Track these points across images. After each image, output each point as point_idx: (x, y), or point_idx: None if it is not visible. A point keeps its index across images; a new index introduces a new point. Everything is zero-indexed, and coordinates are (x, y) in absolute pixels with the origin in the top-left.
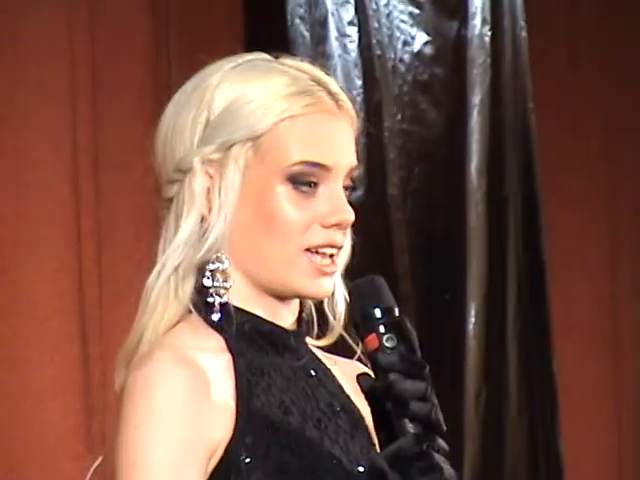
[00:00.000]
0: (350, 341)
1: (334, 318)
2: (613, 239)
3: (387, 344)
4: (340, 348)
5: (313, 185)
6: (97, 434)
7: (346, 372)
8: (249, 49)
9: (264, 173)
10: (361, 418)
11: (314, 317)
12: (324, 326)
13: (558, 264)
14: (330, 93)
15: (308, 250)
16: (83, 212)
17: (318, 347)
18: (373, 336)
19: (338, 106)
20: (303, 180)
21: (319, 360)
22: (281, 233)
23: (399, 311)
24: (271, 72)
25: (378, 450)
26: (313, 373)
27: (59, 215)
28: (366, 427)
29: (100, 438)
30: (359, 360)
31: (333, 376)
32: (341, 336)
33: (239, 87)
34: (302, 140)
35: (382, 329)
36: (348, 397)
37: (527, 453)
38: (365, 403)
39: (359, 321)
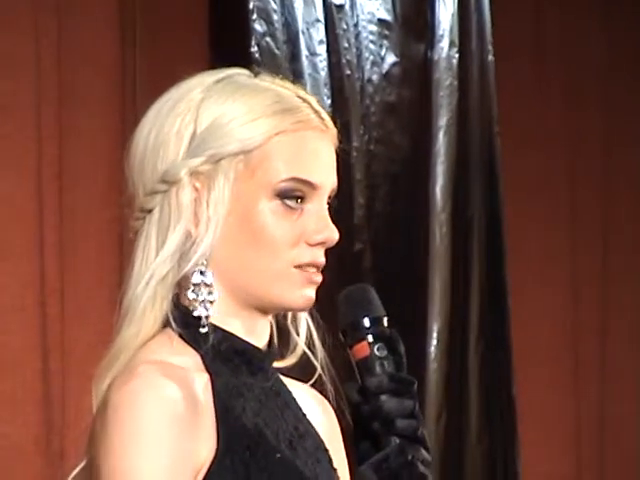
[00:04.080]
0: (314, 360)
1: (297, 334)
2: (575, 260)
3: (378, 353)
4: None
5: (300, 200)
6: (57, 447)
7: (302, 396)
8: (215, 67)
9: (253, 187)
10: (322, 442)
11: (275, 338)
12: (283, 347)
13: (520, 285)
14: (315, 111)
15: (295, 267)
16: (46, 227)
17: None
18: (362, 345)
19: (323, 124)
20: (291, 195)
21: (282, 382)
22: (270, 248)
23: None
24: (256, 88)
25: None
26: (280, 395)
27: (22, 229)
28: (327, 450)
29: (59, 452)
30: (313, 385)
31: (294, 399)
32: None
33: (226, 101)
34: (292, 157)
35: (371, 338)
36: (309, 421)
37: (486, 478)
38: (321, 427)
39: (348, 328)
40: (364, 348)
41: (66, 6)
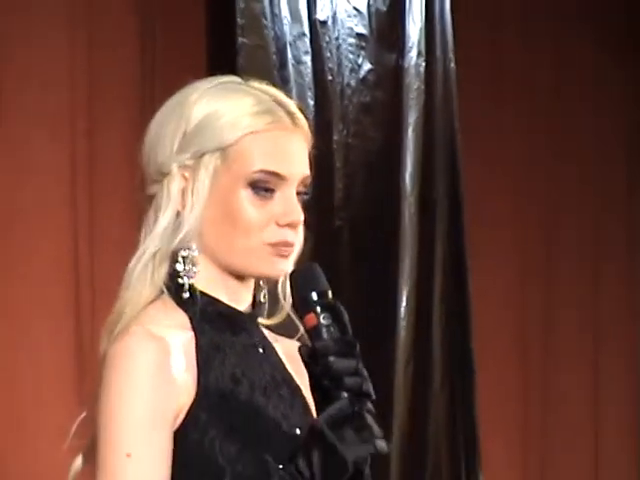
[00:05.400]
0: (295, 320)
1: (284, 299)
2: (524, 227)
3: (324, 322)
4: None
5: (270, 191)
6: (88, 391)
7: (287, 349)
8: (212, 74)
9: (230, 178)
10: (298, 389)
11: (267, 299)
12: (274, 307)
13: (476, 257)
14: (289, 113)
15: (266, 245)
16: (80, 211)
17: (266, 326)
18: (311, 315)
19: (294, 124)
20: (262, 186)
21: (266, 338)
22: (243, 229)
23: (334, 295)
24: (240, 93)
25: (315, 415)
26: (261, 350)
27: (58, 202)
28: (303, 397)
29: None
30: (300, 339)
31: (277, 352)
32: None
33: (213, 104)
34: (263, 152)
35: (319, 309)
36: (288, 371)
37: (447, 422)
38: (301, 376)
39: (299, 303)
40: (313, 318)
41: (97, 23)
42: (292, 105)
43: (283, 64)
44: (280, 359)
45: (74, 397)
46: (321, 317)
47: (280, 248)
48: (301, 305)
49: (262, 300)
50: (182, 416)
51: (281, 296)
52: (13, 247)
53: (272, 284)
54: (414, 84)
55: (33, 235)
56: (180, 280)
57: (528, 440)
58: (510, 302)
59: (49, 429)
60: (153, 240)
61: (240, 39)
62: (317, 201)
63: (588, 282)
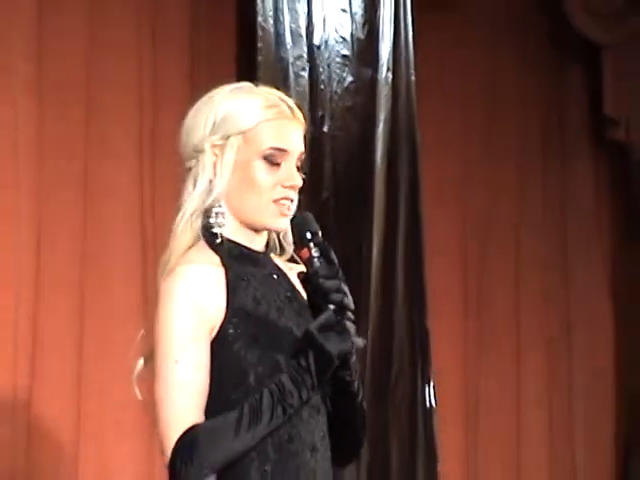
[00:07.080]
0: (296, 257)
1: (287, 245)
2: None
3: (315, 254)
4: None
5: (277, 164)
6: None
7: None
8: (239, 79)
9: (249, 154)
10: (307, 304)
11: (277, 243)
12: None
13: (428, 216)
14: (289, 107)
15: (274, 201)
16: (145, 170)
17: (287, 260)
18: (305, 250)
19: (293, 115)
20: (271, 159)
21: (279, 268)
22: (257, 190)
23: (322, 235)
24: (253, 93)
25: None
26: (275, 277)
27: (127, 172)
28: (309, 309)
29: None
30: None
31: (289, 278)
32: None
33: (235, 102)
34: (272, 134)
35: (311, 244)
36: (298, 291)
37: (408, 332)
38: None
39: (297, 239)
40: (307, 251)
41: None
42: (291, 102)
43: (285, 77)
44: (291, 282)
45: (141, 319)
46: (313, 250)
47: (283, 206)
48: (298, 241)
49: (271, 244)
50: (216, 331)
51: (284, 243)
52: (91, 210)
53: (278, 233)
54: (384, 92)
55: (107, 199)
56: (213, 230)
57: (468, 342)
58: (451, 236)
59: (124, 342)
60: (192, 200)
61: (259, 58)
62: (310, 178)
63: (516, 180)
